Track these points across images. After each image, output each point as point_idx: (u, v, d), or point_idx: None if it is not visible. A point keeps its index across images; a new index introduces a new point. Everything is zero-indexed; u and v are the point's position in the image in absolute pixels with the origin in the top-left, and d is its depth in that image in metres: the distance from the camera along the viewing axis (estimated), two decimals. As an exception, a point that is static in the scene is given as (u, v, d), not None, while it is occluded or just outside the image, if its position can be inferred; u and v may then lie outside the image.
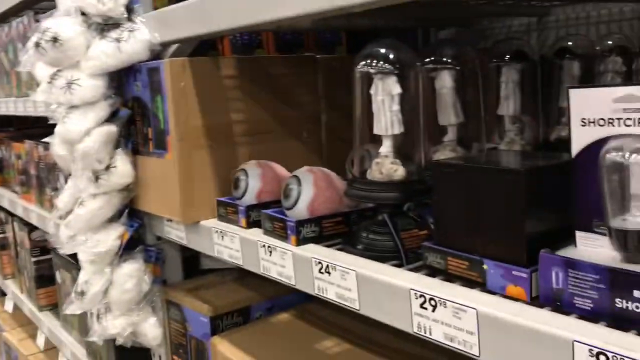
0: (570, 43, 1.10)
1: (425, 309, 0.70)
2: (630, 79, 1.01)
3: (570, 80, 1.08)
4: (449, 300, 0.67)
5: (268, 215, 0.96)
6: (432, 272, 0.75)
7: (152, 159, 1.18)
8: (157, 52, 1.18)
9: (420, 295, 0.70)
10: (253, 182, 1.04)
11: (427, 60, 0.94)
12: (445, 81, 0.93)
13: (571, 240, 0.67)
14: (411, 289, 0.71)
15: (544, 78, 1.09)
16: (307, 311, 1.26)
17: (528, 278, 0.64)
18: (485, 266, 0.68)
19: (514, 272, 0.65)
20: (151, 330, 1.33)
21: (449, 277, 0.73)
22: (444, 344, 0.69)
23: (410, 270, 0.78)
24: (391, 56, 0.84)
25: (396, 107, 0.84)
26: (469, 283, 0.70)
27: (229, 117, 1.14)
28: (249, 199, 1.04)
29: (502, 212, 0.67)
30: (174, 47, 1.22)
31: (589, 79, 1.04)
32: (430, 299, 0.69)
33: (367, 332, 1.13)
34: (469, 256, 0.70)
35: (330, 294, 0.84)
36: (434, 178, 0.75)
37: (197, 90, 1.10)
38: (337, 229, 0.94)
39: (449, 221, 0.74)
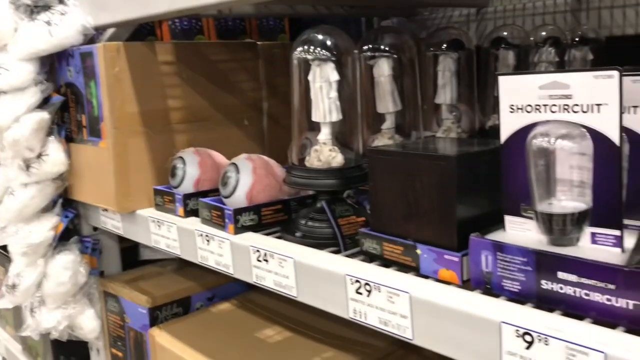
0: (505, 33, 1.13)
1: (361, 294, 0.70)
2: (562, 69, 1.04)
3: (506, 70, 1.11)
4: (383, 285, 0.68)
5: (205, 203, 0.94)
6: (369, 258, 0.75)
7: (87, 146, 1.14)
8: (92, 37, 1.14)
9: (356, 281, 0.71)
10: (191, 170, 1.02)
11: (366, 47, 0.94)
12: (384, 69, 0.94)
13: (502, 225, 0.68)
14: (347, 274, 0.72)
15: (480, 67, 1.11)
16: (249, 300, 1.25)
17: (459, 262, 0.65)
18: (418, 251, 0.69)
19: (445, 257, 0.66)
20: (88, 323, 1.30)
21: (385, 263, 0.73)
22: (378, 328, 0.69)
23: (348, 256, 0.78)
24: (329, 42, 0.84)
25: (334, 94, 0.84)
26: (404, 268, 0.71)
27: (166, 104, 1.11)
28: (187, 187, 1.02)
29: (435, 198, 0.68)
30: (109, 31, 1.18)
31: (523, 69, 1.07)
32: (366, 284, 0.70)
33: (309, 319, 1.13)
34: (404, 241, 0.70)
35: (269, 282, 0.83)
36: (370, 164, 0.75)
37: (132, 75, 1.07)
38: (276, 217, 0.94)
39: (384, 207, 0.74)
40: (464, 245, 0.66)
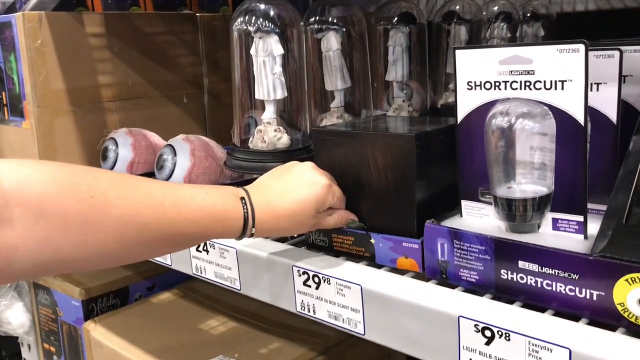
0: (457, 7, 1.09)
1: (309, 286, 0.65)
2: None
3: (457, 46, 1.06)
4: (333, 277, 0.63)
5: (140, 188, 0.87)
6: (317, 249, 0.70)
7: (9, 127, 1.04)
8: (12, 5, 1.04)
9: (304, 272, 0.65)
10: (123, 152, 0.94)
11: (313, 20, 0.88)
12: (332, 43, 0.88)
13: (460, 210, 0.64)
14: (294, 265, 0.66)
15: (431, 43, 1.06)
16: (192, 289, 1.18)
17: (419, 249, 0.61)
18: (373, 240, 0.64)
19: (404, 244, 0.62)
20: (17, 318, 1.21)
21: (335, 255, 0.68)
22: (328, 322, 0.64)
23: (295, 245, 0.73)
24: (272, 13, 0.77)
25: (278, 69, 0.78)
26: (357, 259, 0.66)
27: (96, 80, 1.02)
28: (119, 170, 0.94)
29: (391, 181, 0.63)
30: (32, 0, 1.07)
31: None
32: (314, 275, 0.64)
33: (255, 308, 1.07)
34: (355, 231, 0.65)
35: (209, 274, 0.77)
36: (315, 146, 0.70)
37: (57, 49, 0.97)
38: (217, 202, 0.87)
39: None
40: (423, 232, 0.61)
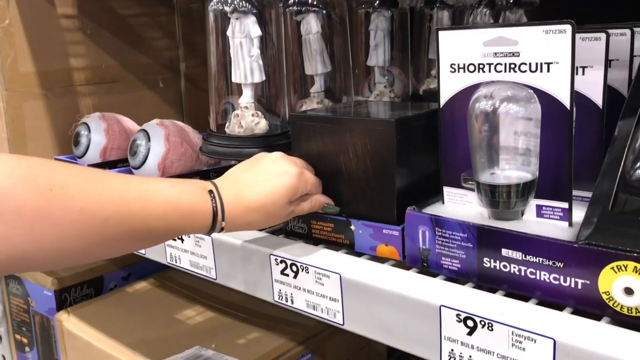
0: (440, -8, 1.07)
1: (287, 275, 0.63)
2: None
3: (440, 31, 1.05)
4: (311, 265, 0.61)
5: (113, 175, 0.84)
6: (296, 239, 0.68)
7: (-24, 111, 1.00)
8: (-22, -16, 0.99)
9: (281, 261, 0.63)
10: (96, 138, 0.91)
11: (292, 1, 0.85)
12: (312, 26, 0.85)
13: (439, 197, 0.62)
14: (271, 254, 0.64)
15: (413, 28, 1.04)
16: (168, 278, 1.16)
17: (400, 236, 0.59)
18: (352, 227, 0.62)
19: (384, 231, 0.60)
20: (-13, 308, 1.17)
21: (314, 242, 0.66)
22: (306, 312, 0.63)
23: (273, 233, 0.71)
24: (249, -7, 0.74)
25: (256, 51, 0.75)
26: (336, 247, 0.64)
27: (68, 63, 0.98)
28: (92, 157, 0.91)
29: (371, 167, 0.61)
30: (0, -21, 1.03)
31: (458, 30, 1.01)
32: (292, 264, 0.62)
33: (233, 297, 1.05)
34: (335, 218, 0.63)
35: (184, 263, 0.74)
36: (293, 132, 0.67)
37: (26, 30, 0.94)
38: (193, 189, 0.84)
39: None
40: (404, 219, 0.60)
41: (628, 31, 0.59)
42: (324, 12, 0.86)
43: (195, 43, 1.14)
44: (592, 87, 0.56)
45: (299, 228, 0.67)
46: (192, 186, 0.56)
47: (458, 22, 1.04)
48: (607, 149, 0.55)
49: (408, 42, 1.02)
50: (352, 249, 0.64)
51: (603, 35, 0.54)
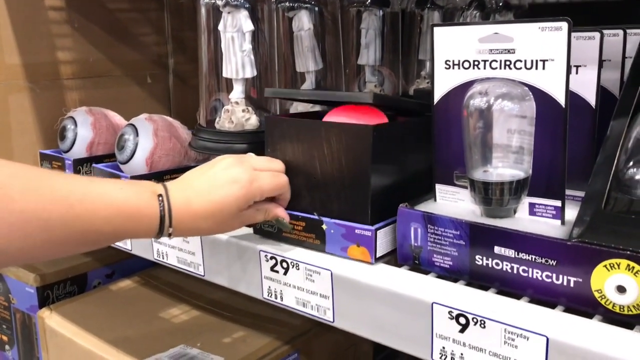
0: (431, -6, 1.07)
1: (277, 272, 0.62)
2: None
3: (431, 32, 1.05)
4: (302, 262, 0.60)
5: (99, 170, 0.83)
6: (265, 235, 0.66)
7: (-41, 103, 0.98)
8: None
9: (272, 257, 0.63)
10: (83, 132, 0.89)
11: (284, -3, 0.85)
12: (304, 22, 0.85)
13: (430, 195, 0.62)
14: (261, 250, 0.63)
15: (404, 29, 1.05)
16: (153, 276, 1.14)
17: (372, 237, 0.58)
18: (324, 226, 0.61)
19: (357, 231, 0.58)
20: (-33, 305, 1.14)
21: (284, 242, 0.64)
22: (296, 309, 0.62)
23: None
24: (242, -13, 0.74)
25: (248, 46, 0.74)
26: (305, 247, 0.62)
27: (55, 56, 0.97)
28: (78, 151, 0.90)
29: (345, 165, 0.59)
30: (-14, -30, 1.01)
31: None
32: (282, 260, 0.62)
33: (219, 296, 1.04)
34: (306, 216, 0.62)
35: (172, 259, 0.73)
36: (267, 129, 0.65)
37: (12, 21, 0.92)
38: (181, 185, 0.83)
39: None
40: (378, 218, 0.59)
41: (621, 32, 0.59)
42: (316, 9, 0.86)
43: (184, 39, 1.13)
44: (586, 87, 0.56)
45: (269, 226, 0.65)
46: (142, 189, 0.54)
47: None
48: (600, 148, 0.55)
49: (399, 42, 1.02)
50: (322, 250, 0.61)
51: (597, 35, 0.55)
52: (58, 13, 0.97)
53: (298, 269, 0.60)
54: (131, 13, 1.06)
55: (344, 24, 0.95)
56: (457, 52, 0.55)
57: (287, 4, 0.84)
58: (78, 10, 0.99)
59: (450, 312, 0.50)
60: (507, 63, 0.53)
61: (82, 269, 1.11)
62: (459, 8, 1.06)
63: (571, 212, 0.55)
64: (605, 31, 0.57)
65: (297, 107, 0.87)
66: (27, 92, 0.94)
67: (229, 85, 0.78)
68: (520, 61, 0.52)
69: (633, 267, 0.45)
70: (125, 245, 0.79)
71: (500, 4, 1.12)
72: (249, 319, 0.98)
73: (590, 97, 0.56)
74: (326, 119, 0.63)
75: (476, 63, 0.54)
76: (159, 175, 0.80)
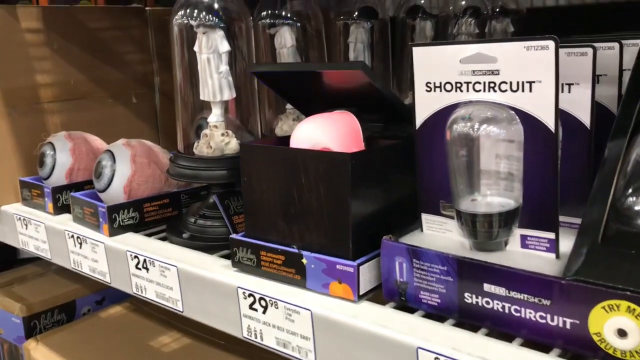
0: (422, 1, 1.03)
1: (255, 310, 0.59)
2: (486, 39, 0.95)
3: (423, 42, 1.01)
4: (280, 300, 0.56)
5: (76, 198, 0.79)
6: (244, 272, 0.62)
7: (-63, 131, 0.95)
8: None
9: (249, 295, 0.59)
10: (62, 158, 0.86)
11: (264, 14, 0.81)
12: (286, 39, 0.81)
13: (417, 225, 0.58)
14: (239, 286, 0.60)
15: (395, 39, 1.01)
16: (145, 302, 1.10)
17: (354, 273, 0.53)
18: (304, 260, 0.57)
19: (338, 267, 0.54)
20: (-45, 336, 1.12)
21: (265, 276, 0.60)
22: (277, 350, 0.58)
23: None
24: (216, 5, 0.70)
25: (224, 67, 0.71)
26: (287, 282, 0.58)
27: (33, 79, 0.94)
28: (58, 178, 0.86)
29: (324, 195, 0.55)
30: (-36, -8, 0.99)
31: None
32: (261, 298, 0.58)
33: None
34: (286, 249, 0.58)
35: (150, 294, 0.70)
36: (242, 160, 0.61)
37: (-13, 45, 0.89)
38: (163, 213, 0.80)
39: (261, 208, 0.60)
40: (361, 251, 0.55)
41: (616, 44, 0.55)
42: (299, 24, 0.82)
43: (170, 56, 1.09)
44: (579, 106, 0.52)
45: (247, 260, 0.61)
46: None
47: (442, 32, 1.00)
48: (596, 169, 0.51)
49: (389, 54, 0.98)
50: (303, 286, 0.57)
51: (590, 50, 0.50)
52: (36, 35, 0.94)
53: (277, 308, 0.56)
54: (113, 31, 1.03)
55: (330, 38, 0.91)
56: (438, 73, 0.51)
57: (267, 20, 0.80)
58: (56, 31, 0.96)
59: (436, 358, 0.46)
60: (492, 85, 0.49)
61: (70, 296, 1.08)
62: (453, 16, 1.02)
63: (567, 242, 0.51)
64: (598, 44, 0.53)
65: (282, 127, 0.84)
66: (4, 117, 0.91)
67: (208, 106, 0.75)
68: (506, 83, 0.48)
69: (634, 310, 0.41)
70: (104, 278, 0.76)
71: (497, 10, 1.08)
72: (241, 347, 0.94)
73: (585, 117, 0.52)
74: (297, 129, 0.59)
75: (458, 85, 0.50)
76: (138, 203, 0.77)
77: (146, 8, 1.08)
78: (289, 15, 0.82)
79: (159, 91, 1.10)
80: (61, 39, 0.97)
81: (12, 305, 1.03)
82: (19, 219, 0.88)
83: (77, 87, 0.99)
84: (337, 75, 0.62)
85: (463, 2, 1.03)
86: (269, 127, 0.85)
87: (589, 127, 0.52)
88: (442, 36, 0.99)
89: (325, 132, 0.59)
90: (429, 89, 0.52)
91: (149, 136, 1.05)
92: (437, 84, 0.52)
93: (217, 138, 0.72)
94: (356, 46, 0.92)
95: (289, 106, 0.84)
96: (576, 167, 0.53)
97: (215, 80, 0.71)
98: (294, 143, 0.61)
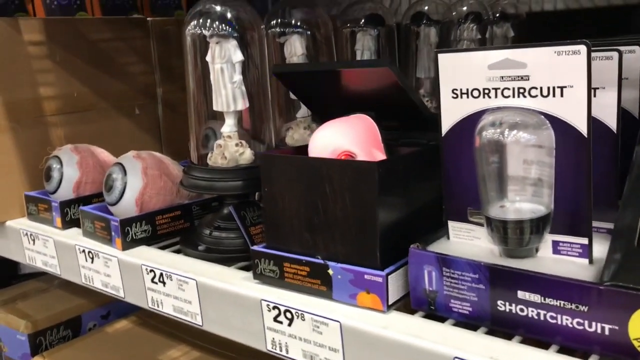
0: (426, 8, 1.03)
1: (280, 322, 0.58)
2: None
3: (428, 49, 1.01)
4: (307, 312, 0.55)
5: (87, 212, 0.78)
6: (267, 284, 0.61)
7: (-62, 146, 0.93)
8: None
9: (274, 307, 0.58)
10: (69, 172, 0.85)
11: (274, 22, 0.80)
12: (296, 48, 0.81)
13: (443, 233, 0.58)
14: (262, 299, 0.59)
15: (400, 46, 1.01)
16: (152, 315, 1.09)
17: (384, 283, 0.53)
18: (330, 271, 0.56)
19: (366, 277, 0.54)
20: (-43, 354, 1.09)
21: (287, 288, 0.59)
22: (303, 363, 0.57)
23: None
24: (229, 15, 0.69)
25: (238, 77, 0.70)
26: (312, 294, 0.57)
27: (36, 92, 0.92)
28: (65, 192, 0.85)
29: (350, 204, 0.54)
30: (-37, 5, 0.97)
31: (446, 46, 0.97)
32: (286, 310, 0.57)
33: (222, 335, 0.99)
34: (311, 260, 0.57)
35: (167, 308, 0.69)
36: (262, 170, 0.60)
37: (-10, 59, 0.88)
38: (175, 226, 0.79)
39: (284, 218, 0.59)
40: (388, 260, 0.54)
41: (637, 48, 0.55)
42: (308, 32, 0.81)
43: (172, 66, 1.08)
44: (605, 110, 0.52)
45: (270, 271, 0.60)
46: None
47: (445, 38, 1.00)
48: (622, 174, 0.51)
49: (396, 60, 0.98)
50: (329, 297, 0.56)
51: (615, 54, 0.50)
52: (38, 47, 0.93)
53: (304, 320, 0.56)
54: (115, 42, 1.02)
55: (338, 45, 0.91)
56: (465, 80, 0.51)
57: (278, 29, 0.80)
58: (59, 44, 0.95)
59: (474, 368, 0.45)
60: (521, 90, 0.49)
61: (75, 311, 1.07)
62: (456, 22, 1.02)
63: (597, 247, 0.51)
64: (621, 48, 0.53)
65: (293, 136, 0.83)
66: (8, 132, 0.89)
67: (220, 117, 0.74)
68: (536, 88, 0.48)
69: (676, 314, 0.41)
70: (118, 292, 0.74)
71: (497, 15, 1.09)
72: (252, 359, 0.93)
73: (611, 122, 0.52)
74: (315, 136, 0.59)
75: (486, 91, 0.50)
76: (151, 216, 0.76)
77: (148, 19, 1.07)
78: (298, 23, 0.81)
79: (161, 102, 1.09)
80: (63, 51, 0.96)
81: (17, 322, 1.01)
82: (26, 234, 0.87)
83: (80, 99, 0.98)
84: (360, 75, 0.61)
85: (464, 8, 1.04)
86: (279, 136, 0.85)
87: (615, 132, 0.52)
88: (446, 42, 0.99)
89: (345, 136, 0.59)
90: (455, 96, 0.52)
91: (152, 147, 1.04)
92: (464, 91, 0.51)
93: (232, 148, 0.72)
94: (363, 53, 0.92)
95: (299, 115, 0.84)
96: (603, 172, 0.53)
97: (229, 90, 0.70)
98: (314, 151, 0.60)
